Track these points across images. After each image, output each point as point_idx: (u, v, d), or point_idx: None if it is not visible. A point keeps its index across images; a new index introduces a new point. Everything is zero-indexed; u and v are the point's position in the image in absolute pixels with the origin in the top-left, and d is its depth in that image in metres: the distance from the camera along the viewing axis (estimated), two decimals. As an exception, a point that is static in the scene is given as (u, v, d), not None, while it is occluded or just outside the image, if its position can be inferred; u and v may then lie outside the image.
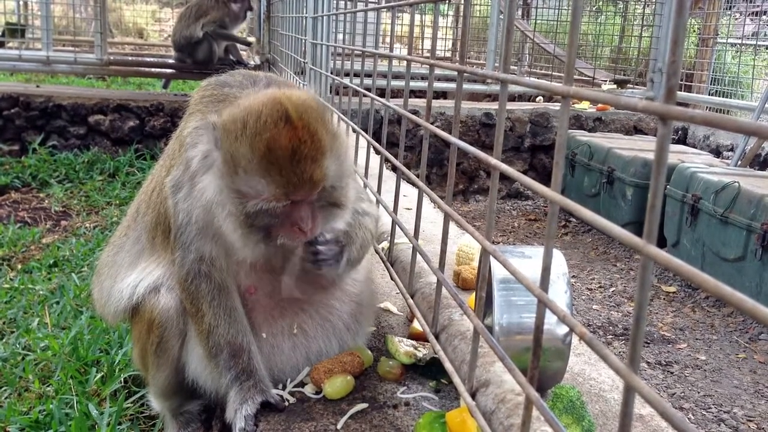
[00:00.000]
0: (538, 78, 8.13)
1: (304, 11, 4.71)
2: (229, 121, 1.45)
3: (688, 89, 7.58)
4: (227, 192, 1.45)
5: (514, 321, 1.53)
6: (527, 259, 1.58)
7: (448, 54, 10.10)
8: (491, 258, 1.24)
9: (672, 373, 3.29)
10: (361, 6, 2.88)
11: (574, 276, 4.51)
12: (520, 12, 9.00)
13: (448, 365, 1.39)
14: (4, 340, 2.95)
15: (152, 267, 1.78)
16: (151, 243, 1.78)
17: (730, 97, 7.48)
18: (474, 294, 1.88)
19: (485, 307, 1.56)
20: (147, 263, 1.79)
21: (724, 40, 8.42)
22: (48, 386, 2.60)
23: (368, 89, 2.33)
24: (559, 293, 1.52)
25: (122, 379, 2.59)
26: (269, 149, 1.39)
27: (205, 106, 1.68)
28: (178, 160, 1.65)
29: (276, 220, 1.47)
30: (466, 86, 6.77)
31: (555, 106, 6.83)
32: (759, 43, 8.27)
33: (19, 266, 3.88)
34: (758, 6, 9.09)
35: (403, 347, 1.84)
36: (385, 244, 2.14)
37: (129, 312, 1.82)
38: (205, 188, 1.50)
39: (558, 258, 1.59)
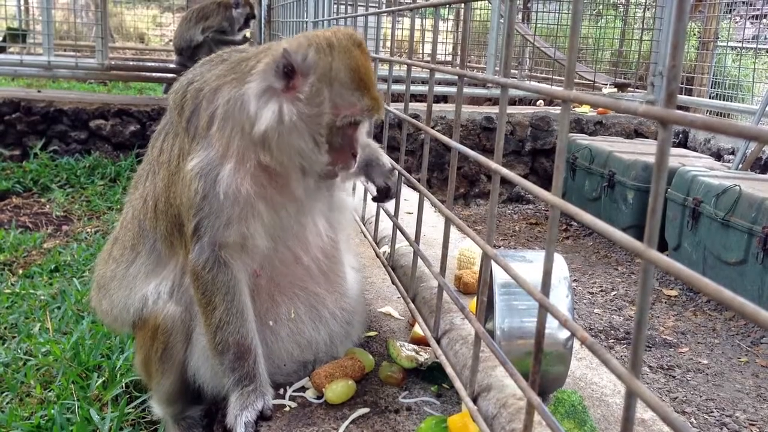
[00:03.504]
0: (538, 82, 8.14)
1: (305, 15, 4.72)
2: (314, 44, 1.57)
3: (689, 92, 7.58)
4: (311, 110, 1.55)
5: (515, 325, 1.53)
6: (528, 264, 1.58)
7: (449, 58, 10.10)
8: (492, 262, 1.24)
9: (674, 377, 3.28)
10: (361, 11, 2.89)
11: (575, 280, 4.50)
12: (520, 16, 9.00)
13: (449, 370, 1.39)
14: (5, 345, 2.95)
15: (170, 273, 1.78)
16: (169, 248, 1.77)
17: (731, 101, 7.48)
18: (475, 298, 1.88)
19: (486, 311, 1.56)
20: (166, 270, 1.79)
21: (725, 44, 8.42)
22: (49, 391, 2.59)
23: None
24: (560, 297, 1.52)
25: (124, 384, 2.59)
26: (358, 66, 1.57)
27: (220, 81, 1.65)
28: (197, 146, 1.63)
29: (342, 142, 1.62)
30: (466, 90, 6.77)
31: (555, 110, 6.83)
32: (759, 46, 8.28)
33: (21, 271, 3.88)
34: (758, 9, 9.10)
35: (405, 352, 1.84)
36: (386, 249, 2.14)
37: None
38: (269, 121, 1.54)
39: (559, 262, 1.59)
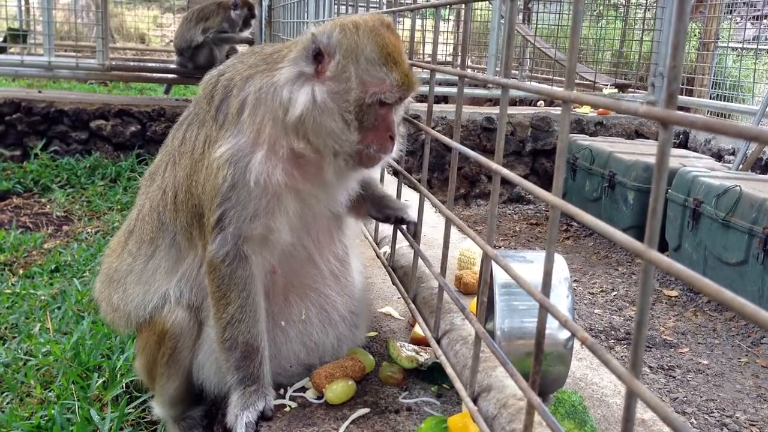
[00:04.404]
0: (539, 82, 8.14)
1: (306, 16, 4.72)
2: (340, 24, 1.57)
3: (690, 93, 7.59)
4: (338, 87, 1.54)
5: (515, 325, 1.53)
6: (529, 264, 1.58)
7: (449, 59, 10.11)
8: (493, 262, 1.24)
9: (674, 377, 3.28)
10: (362, 11, 2.89)
11: (575, 280, 4.50)
12: (521, 16, 9.00)
13: (449, 370, 1.39)
14: (5, 346, 2.95)
15: (187, 267, 1.76)
16: (188, 240, 1.75)
17: (732, 101, 7.48)
18: (475, 298, 1.88)
19: (487, 311, 1.56)
20: (184, 265, 1.77)
21: (725, 44, 8.42)
22: (49, 391, 2.59)
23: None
24: (560, 298, 1.52)
25: (124, 385, 2.59)
26: (386, 42, 1.55)
27: (251, 70, 1.65)
28: (225, 133, 1.61)
29: (376, 122, 1.57)
30: (467, 91, 6.77)
31: (556, 111, 6.83)
32: (760, 47, 8.28)
33: (21, 271, 3.88)
34: (759, 10, 9.10)
35: (405, 352, 1.84)
36: (386, 249, 2.14)
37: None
38: (305, 105, 1.54)
39: (559, 262, 1.59)
